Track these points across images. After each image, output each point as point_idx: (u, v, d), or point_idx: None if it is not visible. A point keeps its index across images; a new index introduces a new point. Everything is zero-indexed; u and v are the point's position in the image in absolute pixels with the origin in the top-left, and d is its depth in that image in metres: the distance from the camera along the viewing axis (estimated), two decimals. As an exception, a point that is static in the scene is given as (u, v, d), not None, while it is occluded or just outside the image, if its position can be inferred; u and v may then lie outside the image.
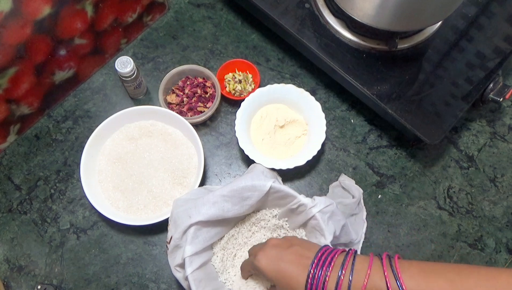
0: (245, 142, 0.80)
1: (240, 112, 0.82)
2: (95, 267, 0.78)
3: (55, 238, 0.80)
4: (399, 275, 0.50)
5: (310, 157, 0.79)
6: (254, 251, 0.62)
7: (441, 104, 0.78)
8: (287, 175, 0.83)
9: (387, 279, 0.51)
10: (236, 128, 0.81)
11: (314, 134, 0.82)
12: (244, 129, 0.82)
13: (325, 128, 0.81)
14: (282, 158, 0.82)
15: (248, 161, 0.81)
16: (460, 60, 0.81)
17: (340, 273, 0.52)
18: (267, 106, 0.86)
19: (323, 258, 0.55)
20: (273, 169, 0.78)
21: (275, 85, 0.84)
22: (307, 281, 0.54)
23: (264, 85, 0.85)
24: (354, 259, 0.54)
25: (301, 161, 0.79)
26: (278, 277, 0.56)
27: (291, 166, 0.78)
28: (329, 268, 0.53)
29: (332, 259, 0.54)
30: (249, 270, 0.66)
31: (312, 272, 0.54)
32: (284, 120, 0.84)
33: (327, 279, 0.53)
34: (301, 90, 0.83)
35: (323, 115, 0.82)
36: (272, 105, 0.86)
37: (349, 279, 0.52)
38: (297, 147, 0.84)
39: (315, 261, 0.55)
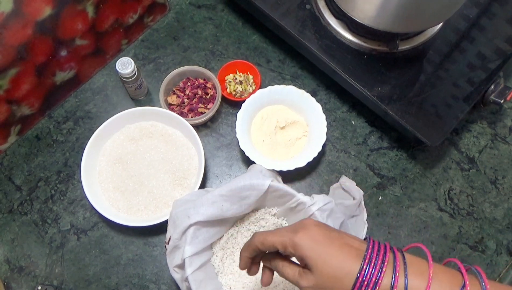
0: (245, 143, 0.80)
1: (240, 113, 0.82)
2: (95, 268, 0.78)
3: (55, 239, 0.80)
4: None
5: (310, 159, 0.79)
6: (291, 229, 0.50)
7: (442, 106, 0.78)
8: (287, 177, 0.83)
9: None
10: (236, 129, 0.81)
11: (314, 136, 0.82)
12: (245, 130, 0.82)
13: (325, 129, 0.81)
14: (282, 159, 0.82)
15: (249, 162, 0.81)
16: (461, 61, 0.81)
17: (394, 274, 0.45)
18: (267, 107, 0.86)
19: (374, 253, 0.47)
20: (273, 171, 0.78)
21: (276, 86, 0.84)
22: (357, 277, 0.45)
23: (265, 86, 0.85)
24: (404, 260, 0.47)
25: (301, 163, 0.79)
26: (322, 262, 0.46)
27: (292, 168, 0.78)
28: (382, 267, 0.45)
29: (383, 257, 0.46)
30: (259, 249, 0.52)
31: (364, 267, 0.45)
32: (285, 122, 0.84)
33: (380, 278, 0.45)
34: (302, 92, 0.83)
35: (323, 116, 0.82)
36: (273, 107, 0.86)
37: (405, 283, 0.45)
38: (297, 149, 0.84)
39: (368, 255, 0.46)
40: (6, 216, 0.81)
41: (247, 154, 0.79)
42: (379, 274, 0.45)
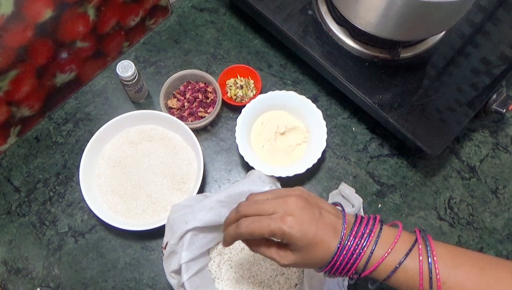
0: (245, 149, 0.80)
1: (240, 118, 0.82)
2: (92, 271, 0.78)
3: (53, 241, 0.80)
4: (434, 256, 0.49)
5: (310, 165, 0.79)
6: (277, 210, 0.52)
7: (444, 112, 0.78)
8: (287, 183, 0.82)
9: (420, 256, 0.49)
10: (236, 134, 0.80)
11: (314, 142, 0.82)
12: (245, 135, 0.82)
13: (326, 135, 0.81)
14: (282, 165, 0.82)
15: (248, 168, 0.81)
16: (465, 67, 0.81)
17: (374, 246, 0.50)
18: (268, 112, 0.85)
19: (357, 228, 0.51)
20: (272, 177, 0.77)
21: (277, 91, 0.84)
22: (337, 249, 0.50)
23: (266, 91, 0.84)
24: (380, 230, 0.51)
25: (301, 169, 0.78)
26: (309, 244, 0.51)
27: (291, 174, 0.78)
28: (366, 240, 0.50)
29: (370, 232, 0.51)
30: (247, 237, 0.55)
31: (343, 241, 0.50)
32: (285, 127, 0.84)
33: (362, 252, 0.50)
34: (303, 97, 0.83)
35: (324, 122, 0.81)
36: (273, 112, 0.85)
37: (372, 249, 0.50)
38: (297, 155, 0.83)
39: (351, 231, 0.51)
40: (4, 217, 0.81)
41: (246, 159, 0.79)
42: (361, 244, 0.50)
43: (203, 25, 0.95)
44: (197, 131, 0.85)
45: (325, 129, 0.81)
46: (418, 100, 0.79)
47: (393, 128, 0.79)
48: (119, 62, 0.80)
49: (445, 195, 0.84)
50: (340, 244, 0.50)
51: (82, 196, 0.77)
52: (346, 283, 0.73)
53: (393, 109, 0.78)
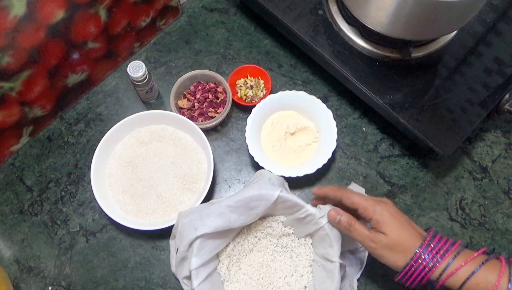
0: (255, 149, 0.80)
1: (250, 119, 0.82)
2: (103, 270, 0.79)
3: (64, 240, 0.81)
4: None
5: (320, 165, 0.79)
6: (373, 198, 0.63)
7: (456, 112, 0.77)
8: (296, 183, 0.82)
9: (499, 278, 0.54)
10: (246, 134, 0.80)
11: (325, 142, 0.82)
12: (255, 135, 0.82)
13: (336, 136, 0.81)
14: (292, 165, 0.82)
15: (258, 168, 0.81)
16: (475, 70, 0.80)
17: (452, 261, 0.56)
18: (278, 112, 0.85)
19: (434, 241, 0.58)
20: (282, 177, 0.77)
21: (287, 92, 0.84)
22: (416, 252, 0.57)
23: (276, 91, 0.84)
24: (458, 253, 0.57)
25: (311, 169, 0.78)
26: (395, 230, 0.59)
27: (301, 174, 0.78)
28: (446, 252, 0.56)
29: (452, 245, 0.57)
30: (340, 200, 0.65)
31: (422, 248, 0.57)
32: (295, 127, 0.84)
33: (437, 265, 0.56)
34: (313, 97, 0.83)
35: (334, 122, 0.81)
36: (283, 112, 0.85)
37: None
38: (307, 155, 0.83)
39: (427, 240, 0.58)
40: (17, 216, 0.82)
41: (256, 160, 0.79)
42: (437, 258, 0.56)
43: (214, 25, 0.96)
44: (207, 131, 0.85)
45: (336, 129, 0.81)
46: (429, 100, 0.78)
47: (404, 128, 0.78)
48: (130, 62, 0.81)
49: (456, 196, 0.83)
50: (423, 245, 0.57)
51: (93, 195, 0.77)
52: (355, 285, 0.73)
53: (404, 109, 0.77)
